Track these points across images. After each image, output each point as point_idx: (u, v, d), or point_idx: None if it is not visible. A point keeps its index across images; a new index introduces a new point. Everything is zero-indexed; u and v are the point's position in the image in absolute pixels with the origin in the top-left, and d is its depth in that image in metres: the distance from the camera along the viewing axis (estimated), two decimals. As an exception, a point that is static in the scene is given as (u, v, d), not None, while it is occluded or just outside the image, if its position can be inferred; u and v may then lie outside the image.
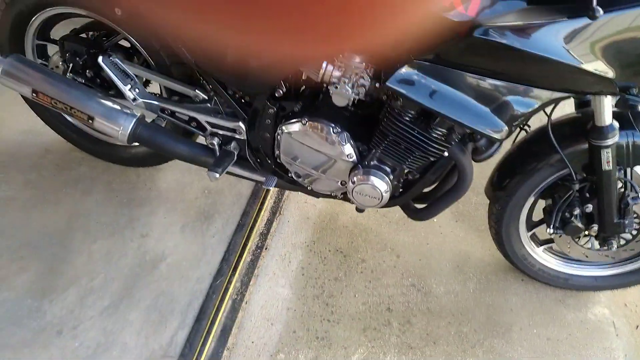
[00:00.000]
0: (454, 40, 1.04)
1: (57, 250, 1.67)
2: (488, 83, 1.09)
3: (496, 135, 1.14)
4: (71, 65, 1.48)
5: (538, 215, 1.55)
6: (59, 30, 1.60)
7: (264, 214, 1.83)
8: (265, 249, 1.75)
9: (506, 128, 1.14)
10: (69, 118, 1.72)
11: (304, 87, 1.36)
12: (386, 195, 1.34)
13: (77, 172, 1.90)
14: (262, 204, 1.85)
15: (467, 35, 1.01)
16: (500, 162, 1.49)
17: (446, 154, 1.26)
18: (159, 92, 1.59)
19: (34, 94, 1.38)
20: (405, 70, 1.10)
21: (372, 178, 1.31)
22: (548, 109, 1.22)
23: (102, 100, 1.40)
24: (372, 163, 1.33)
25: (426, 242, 1.82)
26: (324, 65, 1.22)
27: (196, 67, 1.33)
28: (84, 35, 1.55)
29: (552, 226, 1.42)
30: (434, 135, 1.20)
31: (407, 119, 1.20)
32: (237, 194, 1.90)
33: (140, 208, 1.82)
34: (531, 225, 1.59)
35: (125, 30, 1.39)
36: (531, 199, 1.50)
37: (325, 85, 1.25)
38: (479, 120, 1.13)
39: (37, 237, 1.70)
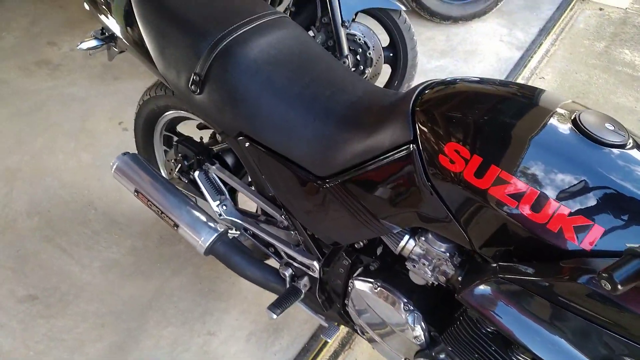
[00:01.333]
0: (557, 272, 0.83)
1: (133, 327, 1.74)
2: (592, 330, 0.85)
3: (589, 394, 0.88)
4: (179, 165, 1.55)
5: None
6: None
7: (332, 344, 1.71)
8: (323, 385, 1.61)
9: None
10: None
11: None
12: (447, 399, 1.13)
13: (174, 250, 2.00)
14: (334, 331, 1.72)
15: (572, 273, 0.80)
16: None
17: (531, 380, 1.01)
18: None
19: (136, 193, 1.47)
20: (485, 286, 0.91)
21: (436, 377, 1.11)
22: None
23: (192, 210, 1.44)
24: (440, 356, 1.14)
25: None
26: (406, 238, 1.08)
27: (280, 205, 1.29)
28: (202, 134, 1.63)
29: None
30: (514, 359, 0.98)
31: (484, 331, 0.99)
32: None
33: (217, 302, 1.83)
34: None
35: (234, 148, 1.42)
36: None
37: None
38: (574, 369, 0.88)
39: (121, 307, 1.80)
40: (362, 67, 2.16)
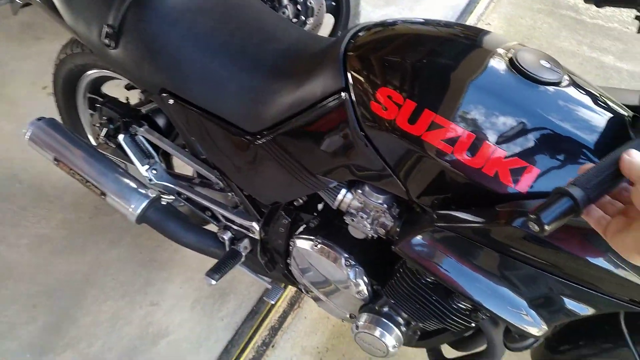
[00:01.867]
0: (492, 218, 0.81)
1: (68, 305, 1.65)
2: (529, 272, 0.85)
3: (531, 331, 0.89)
4: (105, 130, 1.43)
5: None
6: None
7: (281, 304, 1.68)
8: (272, 346, 1.59)
9: (545, 327, 0.88)
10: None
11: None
12: (393, 351, 1.12)
13: (111, 219, 1.88)
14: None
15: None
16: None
17: (473, 324, 1.02)
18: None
19: (56, 161, 1.35)
20: (422, 236, 0.89)
21: (380, 330, 1.10)
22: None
23: (119, 176, 1.34)
24: (384, 310, 1.13)
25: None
26: (343, 192, 1.04)
27: (214, 166, 1.21)
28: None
29: None
30: (456, 307, 0.97)
31: (424, 282, 0.98)
32: (259, 275, 1.77)
33: (159, 272, 1.76)
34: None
35: (161, 107, 1.32)
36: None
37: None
38: (512, 313, 0.88)
39: (54, 285, 1.69)
40: (303, 18, 2.05)
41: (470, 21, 2.99)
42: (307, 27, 2.08)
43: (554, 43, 2.87)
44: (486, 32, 0.91)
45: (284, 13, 1.94)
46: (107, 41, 1.07)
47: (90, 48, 1.16)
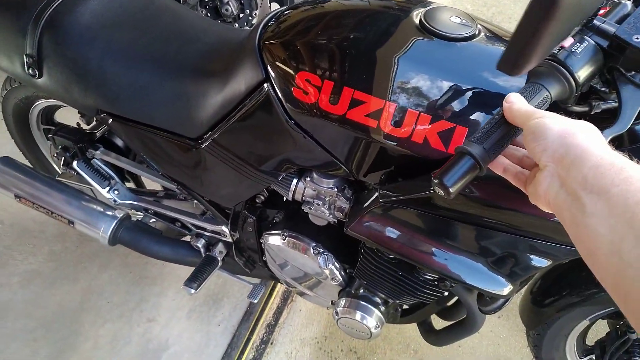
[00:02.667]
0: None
1: (68, 334, 1.65)
2: (481, 234, 0.82)
3: (498, 292, 0.87)
4: (62, 158, 1.42)
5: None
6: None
7: (274, 301, 1.68)
8: (271, 343, 1.59)
9: (510, 286, 0.86)
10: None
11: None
12: (376, 332, 1.11)
13: (97, 244, 1.86)
14: (273, 288, 1.69)
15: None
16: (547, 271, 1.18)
17: (446, 294, 1.00)
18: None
19: (17, 198, 1.34)
20: (371, 214, 0.87)
21: (359, 313, 1.09)
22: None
23: (83, 202, 1.33)
24: (360, 292, 1.11)
25: (457, 344, 1.54)
26: (294, 182, 1.02)
27: (170, 178, 1.19)
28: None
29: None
30: (422, 279, 0.96)
31: (385, 259, 0.97)
32: (249, 274, 1.76)
33: (151, 287, 1.76)
34: (584, 350, 1.26)
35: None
36: (585, 323, 1.18)
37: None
38: (475, 276, 0.86)
39: (51, 317, 1.70)
40: (248, 12, 2.01)
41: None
42: (254, 21, 2.04)
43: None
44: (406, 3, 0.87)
45: (227, 10, 1.90)
46: (30, 71, 1.05)
47: (19, 81, 1.15)
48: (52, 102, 1.43)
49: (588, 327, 1.21)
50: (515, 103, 0.51)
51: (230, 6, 1.90)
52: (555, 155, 0.47)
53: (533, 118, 0.50)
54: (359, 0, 0.90)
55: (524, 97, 0.52)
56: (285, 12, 0.90)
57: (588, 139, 0.46)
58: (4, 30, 1.06)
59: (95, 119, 1.18)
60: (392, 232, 0.87)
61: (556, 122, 0.48)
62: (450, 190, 0.51)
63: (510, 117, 0.52)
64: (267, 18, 0.90)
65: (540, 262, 0.81)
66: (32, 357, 1.61)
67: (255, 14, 2.02)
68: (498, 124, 0.52)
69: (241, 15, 1.99)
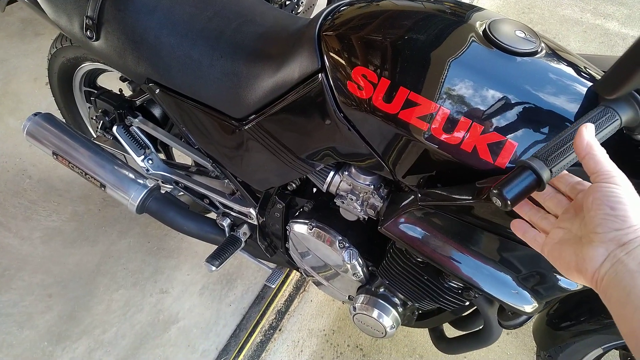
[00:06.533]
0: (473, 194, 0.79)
1: (82, 294, 1.69)
2: (517, 249, 0.83)
3: (521, 308, 0.87)
4: (101, 122, 1.45)
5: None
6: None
7: (287, 288, 1.69)
8: (279, 330, 1.61)
9: (536, 304, 0.86)
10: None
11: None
12: (391, 331, 1.12)
13: (119, 211, 1.92)
14: (287, 275, 1.71)
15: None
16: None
17: (467, 303, 1.01)
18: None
19: (55, 156, 1.37)
20: (407, 216, 0.87)
21: (377, 311, 1.10)
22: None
23: (117, 168, 1.35)
24: (380, 291, 1.12)
25: (463, 355, 1.54)
26: (331, 174, 1.03)
27: (206, 154, 1.21)
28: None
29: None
30: (447, 286, 0.96)
31: (414, 261, 0.97)
32: (265, 259, 1.78)
33: (167, 260, 1.79)
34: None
35: (151, 97, 1.32)
36: (598, 351, 1.17)
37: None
38: (502, 290, 0.86)
39: (68, 275, 1.74)
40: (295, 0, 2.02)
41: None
42: (300, 9, 2.04)
43: (556, 12, 2.75)
44: (467, 6, 0.87)
45: (276, -6, 1.91)
46: (88, 33, 1.07)
47: (74, 41, 1.17)
48: (98, 65, 1.46)
49: (601, 356, 1.20)
50: (585, 135, 0.51)
51: (278, -8, 1.91)
52: (618, 234, 0.46)
53: (603, 178, 0.49)
54: (426, 3, 0.90)
55: (597, 125, 0.52)
56: (347, 6, 0.90)
57: None
58: None
59: (141, 87, 1.20)
60: (425, 236, 0.88)
61: (627, 195, 0.48)
62: (509, 202, 0.52)
63: (579, 154, 0.51)
64: (328, 9, 0.91)
65: (569, 285, 0.82)
66: (46, 312, 1.65)
67: (303, 2, 2.03)
68: (566, 147, 0.52)
69: (288, 2, 2.00)
